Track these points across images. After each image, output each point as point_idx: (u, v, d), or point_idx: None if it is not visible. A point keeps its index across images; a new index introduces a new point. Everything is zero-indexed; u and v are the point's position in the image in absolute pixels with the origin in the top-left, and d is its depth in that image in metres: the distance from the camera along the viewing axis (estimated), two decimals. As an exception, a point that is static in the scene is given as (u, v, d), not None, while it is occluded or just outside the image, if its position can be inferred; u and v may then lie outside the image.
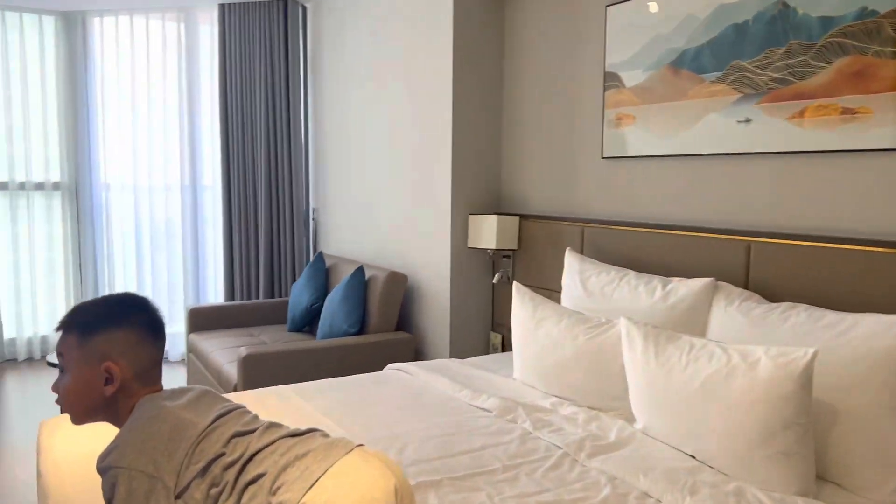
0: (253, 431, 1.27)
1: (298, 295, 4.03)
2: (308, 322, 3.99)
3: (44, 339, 5.14)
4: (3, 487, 2.98)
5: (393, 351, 3.55)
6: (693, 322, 2.43)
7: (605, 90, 3.06)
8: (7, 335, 5.03)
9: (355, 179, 4.31)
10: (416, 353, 3.85)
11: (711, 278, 2.46)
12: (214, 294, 5.22)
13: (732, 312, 2.31)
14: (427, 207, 3.73)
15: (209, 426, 1.24)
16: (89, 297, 5.14)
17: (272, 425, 1.31)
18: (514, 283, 2.82)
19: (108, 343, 1.29)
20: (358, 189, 4.28)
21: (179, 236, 5.11)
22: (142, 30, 5.01)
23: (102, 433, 2.19)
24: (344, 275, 3.99)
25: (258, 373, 3.23)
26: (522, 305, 2.72)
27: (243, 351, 3.23)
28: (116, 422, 1.33)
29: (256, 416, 1.35)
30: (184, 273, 5.08)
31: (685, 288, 2.47)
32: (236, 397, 2.55)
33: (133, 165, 5.10)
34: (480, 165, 3.60)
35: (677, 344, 2.10)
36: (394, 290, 3.66)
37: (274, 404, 2.47)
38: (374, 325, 3.64)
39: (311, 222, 4.72)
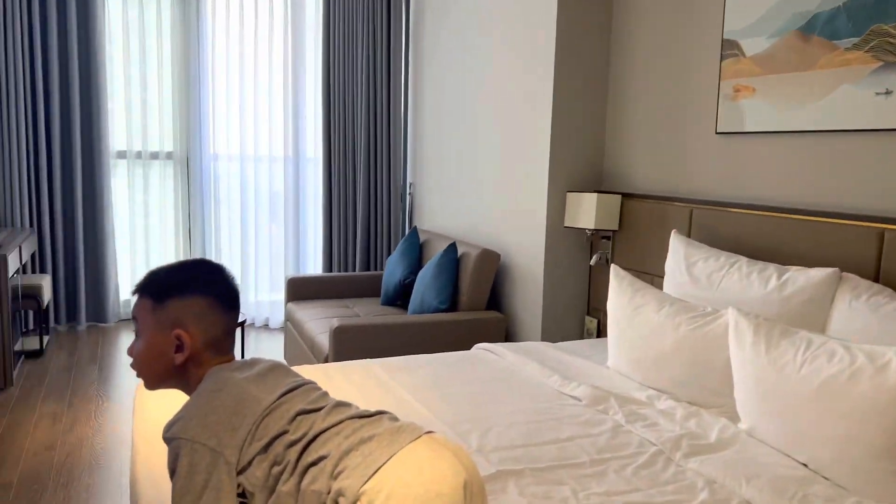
0: (318, 410, 1.22)
1: (392, 269, 4.02)
2: (400, 296, 3.97)
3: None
4: (109, 442, 3.14)
5: (483, 330, 3.47)
6: (811, 316, 2.20)
7: (721, 59, 2.81)
8: (123, 296, 5.34)
9: (451, 154, 4.23)
10: (507, 333, 3.76)
11: (835, 269, 2.21)
12: (313, 265, 5.32)
13: (859, 307, 2.07)
14: (523, 184, 3.60)
15: (275, 402, 1.20)
16: (198, 263, 5.37)
17: (339, 404, 1.26)
18: (613, 266, 2.66)
19: (180, 309, 1.26)
20: (454, 164, 4.21)
21: (282, 207, 5.23)
22: (251, 4, 5.12)
23: (193, 396, 2.23)
24: (437, 250, 3.94)
25: (349, 344, 3.24)
26: (620, 290, 2.56)
27: (335, 322, 3.25)
28: (187, 389, 1.32)
29: (325, 394, 1.30)
30: (285, 243, 5.21)
31: (804, 278, 2.24)
32: (324, 368, 2.55)
33: (240, 137, 5.24)
34: (581, 140, 3.43)
35: (792, 339, 1.89)
36: (486, 269, 3.57)
37: (358, 378, 2.45)
38: (465, 302, 3.57)
39: (407, 197, 4.71)
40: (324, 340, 3.41)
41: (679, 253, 2.70)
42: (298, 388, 1.27)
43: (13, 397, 3.62)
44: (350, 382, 2.40)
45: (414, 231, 4.07)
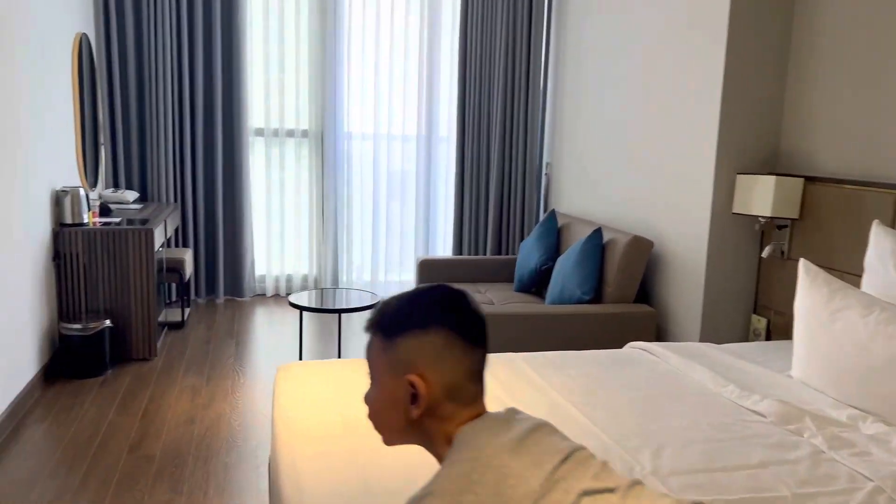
0: (611, 490, 0.96)
1: (527, 254, 3.79)
2: (535, 283, 3.74)
3: (289, 279, 5.48)
4: (246, 420, 3.13)
5: (631, 325, 3.17)
6: None
7: (947, 17, 2.34)
8: (258, 272, 5.44)
9: (596, 133, 3.92)
10: (659, 330, 3.43)
11: None
12: (443, 246, 5.19)
13: None
14: (684, 164, 3.24)
15: (547, 481, 0.93)
16: (329, 241, 5.37)
17: (636, 482, 0.99)
18: (802, 261, 2.28)
19: (412, 349, 1.02)
20: (598, 143, 3.89)
21: (413, 187, 5.11)
22: (387, -22, 5.00)
23: (335, 381, 2.11)
24: (578, 236, 3.66)
25: (486, 334, 3.05)
26: (813, 289, 2.18)
27: (472, 310, 3.06)
28: (431, 449, 1.06)
29: (605, 464, 1.01)
30: (415, 223, 5.09)
31: None
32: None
33: (374, 115, 5.16)
34: (755, 116, 3.02)
35: None
36: (636, 257, 3.25)
37: (504, 375, 2.24)
38: (611, 294, 3.28)
39: (543, 178, 4.45)
40: (459, 328, 3.24)
41: (884, 248, 2.28)
42: (571, 455, 0.99)
43: (157, 368, 3.72)
44: (495, 378, 2.20)
45: (551, 214, 3.81)
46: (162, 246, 4.19)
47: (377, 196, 5.18)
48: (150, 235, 3.69)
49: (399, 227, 5.20)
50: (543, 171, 4.47)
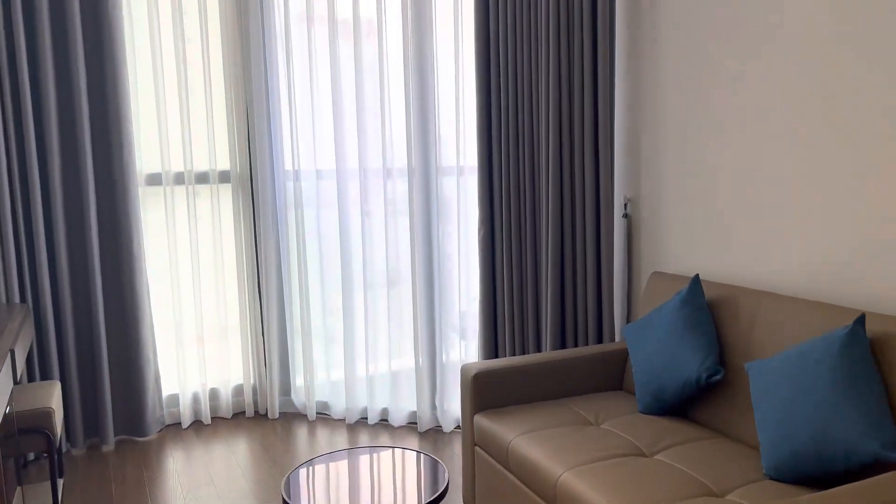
0: None
1: (658, 352, 2.34)
2: (687, 402, 2.29)
3: (214, 395, 3.66)
4: None
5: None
6: None
7: None
8: (167, 390, 3.58)
9: (738, 147, 2.56)
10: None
11: None
12: (464, 337, 3.58)
13: None
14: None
15: None
16: (272, 331, 3.62)
17: None
18: None
19: None
20: (748, 162, 2.53)
21: (406, 242, 3.48)
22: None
23: None
24: (764, 323, 2.25)
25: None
26: None
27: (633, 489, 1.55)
28: None
29: None
30: (414, 298, 3.44)
31: None
32: None
33: (336, 141, 3.52)
34: None
35: None
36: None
37: None
38: None
39: (622, 222, 2.94)
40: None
41: None
42: None
43: None
44: None
45: (695, 283, 2.37)
46: (8, 400, 2.31)
47: (348, 258, 3.52)
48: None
49: (387, 307, 3.55)
50: (624, 211, 3.03)
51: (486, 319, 3.13)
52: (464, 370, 2.56)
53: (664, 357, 2.34)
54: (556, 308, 2.94)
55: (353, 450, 2.42)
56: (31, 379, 3.02)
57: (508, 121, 3.01)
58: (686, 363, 2.28)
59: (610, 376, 2.69)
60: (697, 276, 2.40)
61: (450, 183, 3.35)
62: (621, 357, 2.70)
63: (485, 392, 2.51)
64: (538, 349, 3.07)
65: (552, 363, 2.60)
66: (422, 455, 2.36)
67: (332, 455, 2.37)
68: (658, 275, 2.68)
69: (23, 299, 3.05)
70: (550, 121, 2.86)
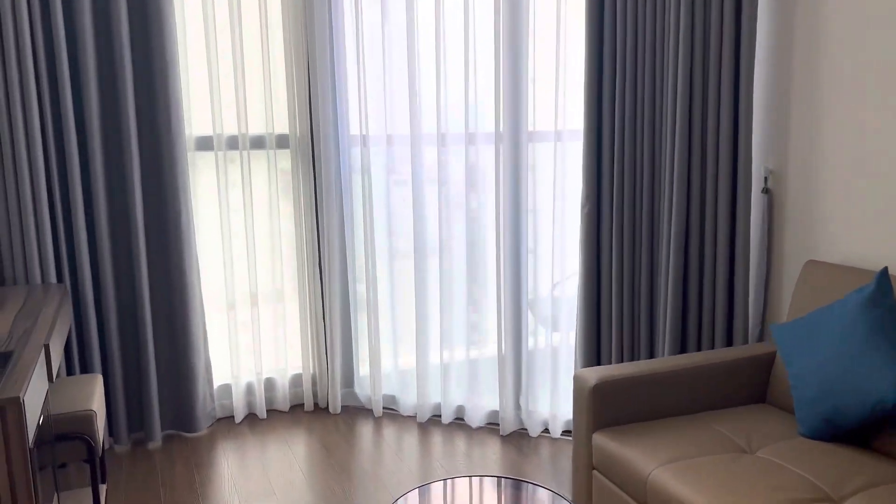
0: None
1: (833, 367, 1.88)
2: (858, 430, 1.83)
3: (270, 386, 3.29)
4: None
5: None
6: None
7: None
8: (218, 381, 3.22)
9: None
10: None
11: None
12: (557, 327, 3.14)
13: None
14: None
15: None
16: (335, 317, 3.23)
17: None
18: None
19: None
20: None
21: (490, 218, 3.03)
22: None
23: None
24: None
25: None
26: None
27: None
28: None
29: None
30: (498, 281, 3.00)
31: None
32: None
33: (408, 104, 3.07)
34: None
35: None
36: None
37: None
38: None
39: (762, 199, 2.41)
40: None
41: None
42: None
43: None
44: None
45: (883, 276, 1.88)
46: (44, 403, 1.94)
47: (422, 233, 3.08)
48: (16, 411, 1.48)
49: (466, 288, 3.11)
50: (766, 186, 2.53)
51: (587, 313, 2.68)
52: (578, 379, 2.12)
53: (841, 370, 1.87)
54: (677, 302, 2.47)
55: (462, 479, 2.01)
56: (70, 371, 2.67)
57: (625, 76, 2.51)
58: (875, 380, 1.80)
59: (750, 386, 2.23)
60: (886, 269, 1.91)
61: (545, 150, 2.87)
62: (764, 364, 2.23)
63: (606, 406, 2.07)
64: (651, 352, 2.61)
65: (686, 371, 2.14)
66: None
67: (441, 482, 1.96)
68: (815, 264, 2.20)
69: (59, 279, 2.68)
70: (680, 75, 2.36)
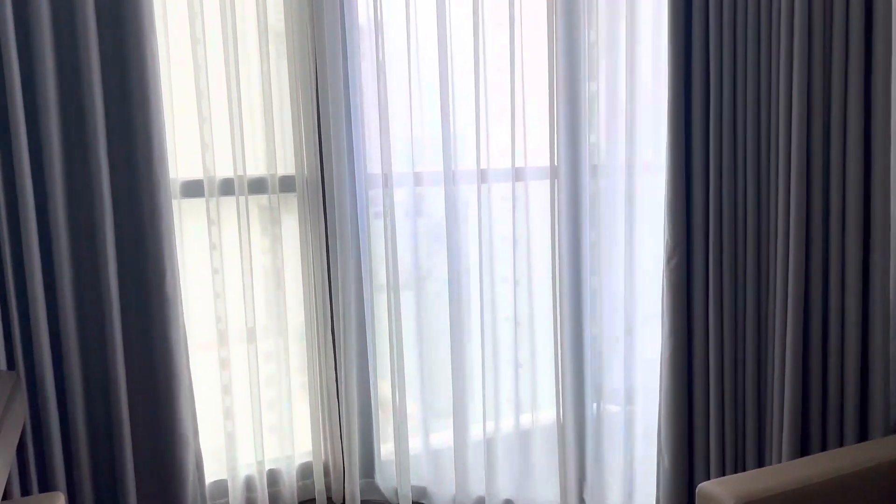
0: None
1: None
2: None
3: (273, 479, 2.72)
4: None
5: None
6: None
7: None
8: (211, 476, 2.64)
9: None
10: None
11: None
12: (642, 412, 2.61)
13: None
14: None
15: None
16: (351, 390, 2.69)
17: None
18: None
19: None
20: None
21: (545, 267, 2.52)
22: None
23: None
24: None
25: None
26: None
27: None
28: None
29: None
30: (557, 342, 2.48)
31: None
32: None
33: (440, 135, 2.58)
34: None
35: None
36: None
37: None
38: None
39: None
40: None
41: None
42: None
43: None
44: None
45: None
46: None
47: (458, 283, 2.57)
48: None
49: (514, 348, 2.60)
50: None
51: (675, 396, 2.16)
52: (706, 497, 1.59)
53: None
54: (796, 382, 1.97)
55: None
56: (24, 489, 2.08)
57: (722, 98, 2.04)
58: None
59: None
60: None
61: (611, 187, 2.38)
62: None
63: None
64: (758, 443, 2.10)
65: (848, 478, 1.64)
66: None
67: None
68: None
69: (10, 364, 2.11)
70: (794, 96, 1.89)
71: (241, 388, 2.61)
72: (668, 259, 2.11)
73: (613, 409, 2.51)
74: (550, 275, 2.42)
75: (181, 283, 2.41)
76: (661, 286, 2.14)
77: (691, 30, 2.08)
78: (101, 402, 2.27)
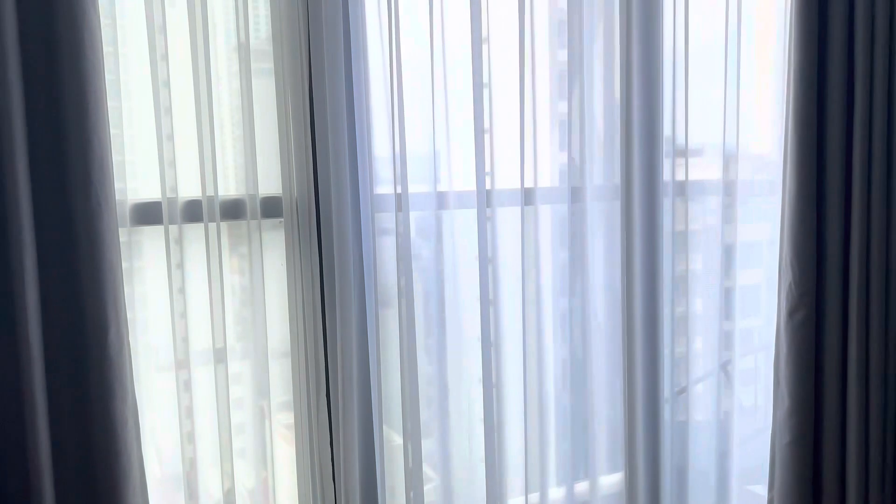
0: None
1: None
2: None
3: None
4: None
5: None
6: None
7: None
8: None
9: None
10: None
11: None
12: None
13: None
14: None
15: None
16: (351, 457, 2.12)
17: None
18: None
19: None
20: None
21: (604, 309, 2.00)
22: None
23: None
24: None
25: None
26: None
27: None
28: None
29: None
30: (615, 393, 1.95)
31: None
32: None
33: (445, 153, 2.04)
34: None
35: None
36: None
37: None
38: None
39: None
40: None
41: None
42: None
43: None
44: None
45: None
46: None
47: (490, 328, 2.03)
48: None
49: (570, 407, 2.06)
50: None
51: (800, 481, 1.62)
52: None
53: None
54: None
55: None
56: None
57: (871, 106, 1.52)
58: None
59: None
60: None
61: (700, 210, 1.87)
62: None
63: None
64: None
65: None
66: None
67: None
68: None
69: None
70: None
71: (210, 477, 2.02)
72: (792, 311, 1.58)
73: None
74: (622, 316, 1.88)
75: (130, 338, 1.81)
76: (777, 347, 1.61)
77: (826, 41, 1.57)
78: (16, 508, 1.65)
